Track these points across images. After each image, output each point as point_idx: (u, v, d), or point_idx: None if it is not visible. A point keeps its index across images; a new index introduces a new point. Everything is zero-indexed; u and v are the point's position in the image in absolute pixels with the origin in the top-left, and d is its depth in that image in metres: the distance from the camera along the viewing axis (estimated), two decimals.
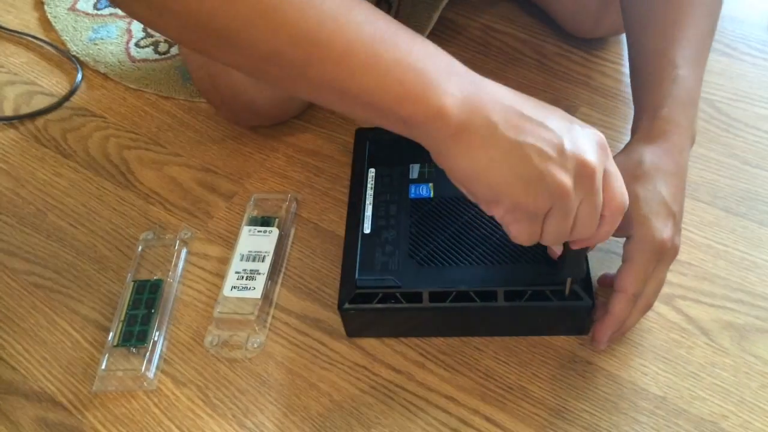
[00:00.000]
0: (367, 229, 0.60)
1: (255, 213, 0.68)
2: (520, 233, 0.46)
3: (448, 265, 0.57)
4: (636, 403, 0.54)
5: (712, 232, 0.63)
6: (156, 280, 0.65)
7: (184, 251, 0.67)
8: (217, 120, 0.79)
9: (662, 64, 0.56)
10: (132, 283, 0.64)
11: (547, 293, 0.54)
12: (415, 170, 0.64)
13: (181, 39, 0.44)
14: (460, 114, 0.41)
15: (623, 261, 0.52)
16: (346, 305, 0.57)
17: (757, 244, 0.61)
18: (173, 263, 0.66)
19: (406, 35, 0.42)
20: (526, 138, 0.41)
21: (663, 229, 0.50)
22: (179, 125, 0.79)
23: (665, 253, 0.51)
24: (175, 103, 0.81)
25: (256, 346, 0.60)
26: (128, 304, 0.63)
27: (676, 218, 0.52)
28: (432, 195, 0.61)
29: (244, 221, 0.67)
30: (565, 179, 0.42)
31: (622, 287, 0.52)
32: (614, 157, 0.50)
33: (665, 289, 0.59)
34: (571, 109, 0.74)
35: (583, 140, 0.43)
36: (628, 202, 0.45)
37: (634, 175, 0.52)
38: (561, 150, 0.42)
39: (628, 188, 0.46)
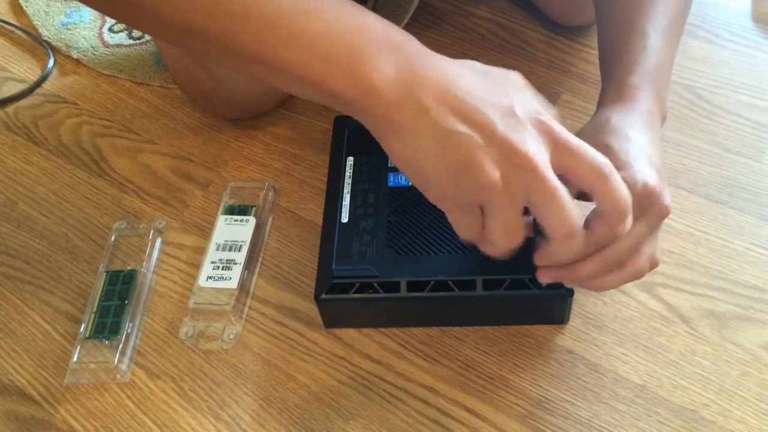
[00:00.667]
0: (344, 218, 0.59)
1: (232, 202, 0.67)
2: (457, 226, 0.43)
3: (426, 254, 0.56)
4: (616, 392, 0.53)
5: (692, 219, 0.62)
6: (129, 270, 0.63)
7: (158, 241, 0.66)
8: (193, 107, 0.77)
9: (632, 33, 0.53)
10: (105, 273, 0.63)
11: (525, 281, 0.53)
12: None
13: (102, 8, 0.41)
14: (391, 94, 0.38)
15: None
16: (323, 295, 0.56)
17: (738, 231, 0.61)
18: (147, 253, 0.65)
19: (333, 4, 0.39)
20: (455, 125, 0.38)
21: (648, 174, 0.44)
22: (154, 112, 0.77)
23: (652, 204, 0.44)
24: (149, 89, 0.79)
25: (232, 337, 0.59)
26: (101, 295, 0.61)
27: (658, 165, 0.46)
28: (411, 183, 0.60)
29: (221, 210, 0.66)
30: (491, 171, 0.38)
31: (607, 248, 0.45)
32: (580, 129, 0.50)
33: (646, 277, 0.58)
34: (553, 96, 0.73)
35: (523, 126, 0.39)
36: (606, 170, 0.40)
37: (602, 131, 0.47)
38: (490, 138, 0.38)
39: (600, 142, 0.44)
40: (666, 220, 0.62)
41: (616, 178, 0.40)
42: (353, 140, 0.65)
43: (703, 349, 0.55)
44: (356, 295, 0.55)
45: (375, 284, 0.55)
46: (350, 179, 0.62)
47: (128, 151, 0.74)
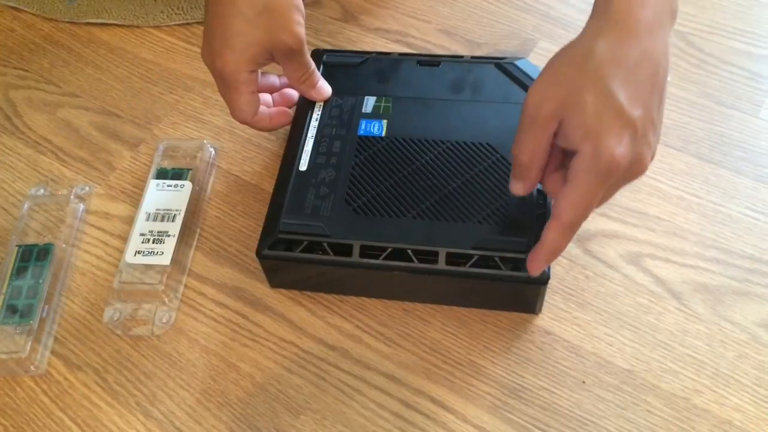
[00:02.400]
0: (303, 166, 0.52)
1: (164, 164, 0.58)
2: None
3: (388, 217, 0.49)
4: (600, 378, 0.47)
5: (683, 181, 0.56)
6: (45, 244, 0.55)
7: (80, 209, 0.57)
8: (120, 54, 0.67)
9: None
10: (16, 248, 0.54)
11: (496, 260, 0.46)
12: (369, 103, 0.55)
13: None
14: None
15: (566, 181, 0.41)
16: (266, 251, 0.49)
17: (732, 194, 0.55)
18: (67, 224, 0.56)
19: None
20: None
21: (615, 145, 0.39)
22: (76, 60, 0.67)
23: (618, 174, 0.40)
24: (71, 33, 0.69)
25: (164, 321, 0.51)
26: (11, 274, 0.53)
27: (637, 127, 0.39)
28: (384, 133, 0.53)
29: (152, 174, 0.57)
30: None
31: (557, 213, 0.41)
32: (560, 51, 0.42)
33: (632, 248, 0.52)
34: (529, 43, 0.65)
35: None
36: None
37: (581, 71, 0.40)
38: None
39: (574, 90, 0.39)
40: (654, 183, 0.56)
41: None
42: (327, 78, 0.56)
43: (695, 328, 0.49)
44: (302, 255, 0.49)
45: (325, 244, 0.48)
46: (317, 122, 0.54)
47: (46, 106, 0.64)
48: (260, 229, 0.51)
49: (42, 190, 0.58)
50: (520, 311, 0.50)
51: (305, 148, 0.53)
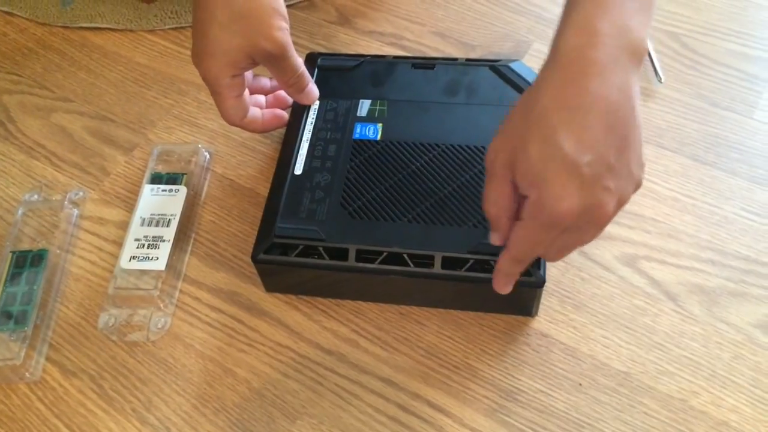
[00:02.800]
0: (298, 170, 0.52)
1: (159, 168, 0.58)
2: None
3: (383, 221, 0.49)
4: (597, 380, 0.47)
5: (678, 183, 0.56)
6: (40, 250, 0.54)
7: (74, 214, 0.57)
8: (114, 58, 0.67)
9: None
10: (10, 254, 0.54)
11: (491, 264, 0.46)
12: (364, 106, 0.55)
13: None
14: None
15: (520, 217, 0.40)
16: (261, 255, 0.49)
17: (727, 196, 0.55)
18: (61, 229, 0.56)
19: None
20: None
21: (559, 196, 0.37)
22: (69, 65, 0.67)
23: (567, 223, 0.38)
24: (64, 38, 0.69)
25: (160, 326, 0.51)
26: (5, 280, 0.53)
27: (585, 174, 0.36)
28: (379, 137, 0.53)
29: (146, 178, 0.57)
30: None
31: (508, 245, 0.41)
32: (518, 100, 0.41)
33: (628, 250, 0.52)
34: (523, 45, 0.65)
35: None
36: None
37: (526, 120, 0.38)
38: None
39: (521, 139, 0.37)
40: (649, 184, 0.56)
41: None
42: (322, 81, 0.56)
43: (691, 329, 0.49)
44: (298, 259, 0.49)
45: (320, 249, 0.48)
46: (312, 126, 0.54)
47: (40, 111, 0.64)
48: (255, 233, 0.51)
49: (36, 196, 0.58)
50: (517, 314, 0.50)
51: (300, 151, 0.53)
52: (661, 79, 0.61)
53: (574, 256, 0.52)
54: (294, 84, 0.53)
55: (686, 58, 0.63)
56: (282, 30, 0.49)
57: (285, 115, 0.56)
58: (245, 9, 0.48)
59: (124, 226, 0.56)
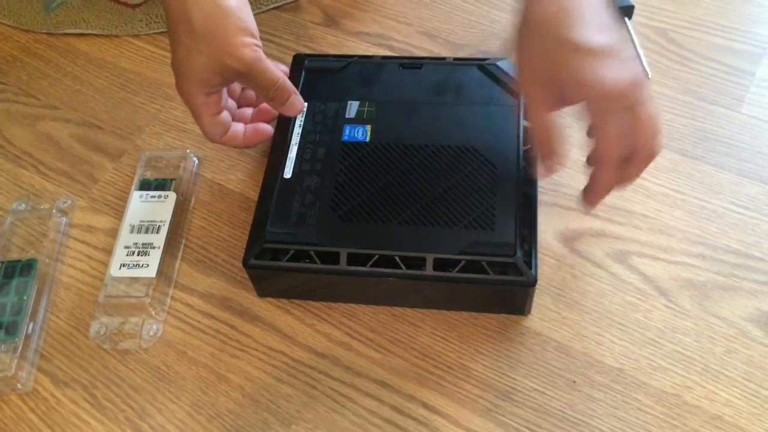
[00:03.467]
0: (287, 174, 0.51)
1: (147, 174, 0.58)
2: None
3: (374, 223, 0.49)
4: (591, 377, 0.48)
5: (667, 178, 0.56)
6: (29, 259, 0.54)
7: (63, 223, 0.57)
8: (99, 64, 0.67)
9: None
10: None
11: (483, 264, 0.46)
12: (353, 108, 0.54)
13: None
14: None
15: (592, 131, 0.44)
16: (252, 260, 0.49)
17: (717, 190, 0.55)
18: (50, 238, 0.55)
19: None
20: None
21: (608, 78, 0.41)
22: (54, 71, 0.67)
23: (629, 99, 0.42)
24: (49, 45, 0.69)
25: (152, 334, 0.51)
26: None
27: (613, 53, 0.42)
28: (368, 139, 0.52)
29: (135, 185, 0.57)
30: None
31: (596, 156, 0.45)
32: (518, 32, 0.45)
33: (619, 246, 0.53)
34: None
35: None
36: None
37: (542, 40, 0.43)
38: None
39: (553, 56, 0.42)
40: (638, 180, 0.55)
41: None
42: (310, 83, 0.56)
43: (683, 324, 0.49)
44: (289, 263, 0.48)
45: (312, 253, 0.48)
46: (301, 128, 0.54)
47: (26, 119, 0.63)
48: (246, 238, 0.50)
49: (24, 205, 0.58)
50: (510, 313, 0.50)
51: (289, 155, 0.53)
52: (648, 74, 0.61)
53: (565, 253, 0.53)
54: (273, 98, 0.51)
55: (673, 53, 0.63)
56: (247, 46, 0.48)
57: (268, 129, 0.55)
58: (206, 29, 0.47)
59: (114, 233, 0.55)
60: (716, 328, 0.49)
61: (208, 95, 0.49)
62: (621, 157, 0.44)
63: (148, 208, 0.55)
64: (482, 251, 0.46)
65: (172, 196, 0.56)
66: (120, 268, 0.52)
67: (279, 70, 0.51)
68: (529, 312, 0.50)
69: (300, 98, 0.53)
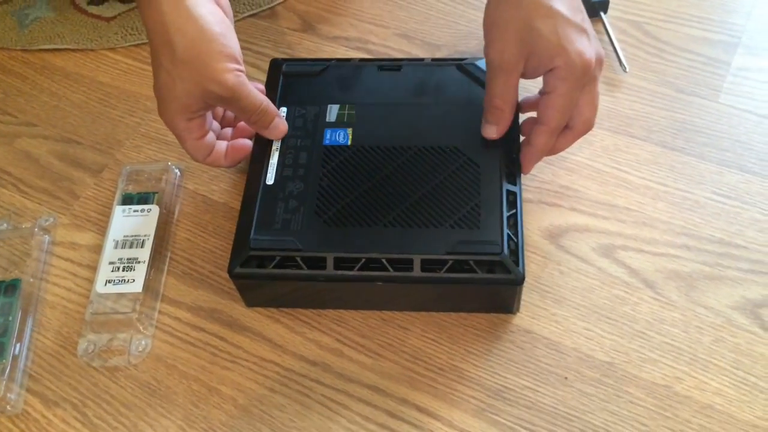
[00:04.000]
0: (270, 180, 0.51)
1: (129, 189, 0.57)
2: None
3: (359, 227, 0.48)
4: (582, 372, 0.48)
5: (649, 171, 0.57)
6: (13, 280, 0.53)
7: (46, 241, 0.56)
8: (76, 79, 0.66)
9: None
10: None
11: (470, 263, 0.46)
12: (333, 112, 0.54)
13: None
14: None
15: (544, 92, 0.47)
16: (238, 269, 0.48)
17: (698, 180, 0.56)
18: (33, 257, 0.55)
19: None
20: None
21: (581, 49, 0.45)
22: (31, 88, 0.66)
23: (590, 73, 0.46)
24: (24, 61, 0.68)
25: (141, 349, 0.51)
26: None
27: (586, 29, 0.46)
28: (349, 142, 0.52)
29: (117, 200, 0.56)
30: None
31: (543, 119, 0.48)
32: (489, 9, 0.47)
33: (604, 240, 0.53)
34: None
35: None
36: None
37: (519, 8, 0.45)
38: None
39: (524, 26, 0.45)
40: (620, 174, 0.57)
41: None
42: (288, 88, 0.56)
43: (671, 315, 0.50)
44: (275, 271, 0.48)
45: (298, 259, 0.48)
46: None
47: (3, 137, 0.63)
48: (231, 246, 0.50)
49: (5, 225, 0.57)
50: (499, 312, 0.50)
51: (271, 161, 0.52)
52: (625, 68, 0.62)
53: (551, 249, 0.53)
54: (257, 121, 0.51)
55: (649, 45, 0.64)
56: (230, 72, 0.47)
57: (247, 144, 0.54)
58: (188, 54, 0.46)
59: (98, 249, 0.55)
60: (703, 318, 0.49)
61: (190, 120, 0.49)
62: (561, 126, 0.48)
63: (132, 223, 0.55)
64: (469, 250, 0.46)
65: (155, 209, 0.55)
66: (105, 284, 0.52)
67: (261, 94, 0.51)
68: (518, 310, 0.50)
69: (283, 121, 0.53)
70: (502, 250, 0.46)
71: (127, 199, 0.56)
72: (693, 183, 0.56)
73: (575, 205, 0.55)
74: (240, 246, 0.49)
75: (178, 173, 0.59)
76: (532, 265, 0.52)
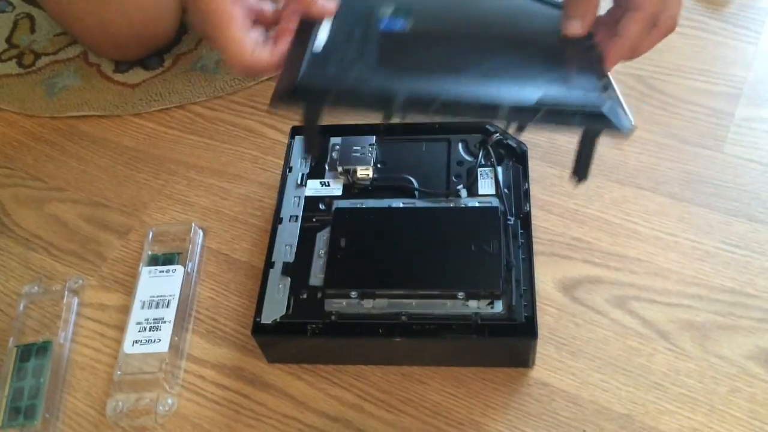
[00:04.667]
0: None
1: (155, 249, 0.59)
2: None
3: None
4: (600, 425, 0.48)
5: (658, 221, 0.58)
6: (44, 342, 0.55)
7: (75, 303, 0.58)
8: (103, 144, 0.69)
9: None
10: (15, 348, 0.55)
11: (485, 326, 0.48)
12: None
13: None
14: None
15: None
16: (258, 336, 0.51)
17: (707, 230, 0.57)
18: (63, 319, 0.57)
19: None
20: None
21: None
22: (60, 154, 0.69)
23: None
24: (53, 128, 0.71)
25: (167, 408, 0.52)
26: (12, 375, 0.53)
27: None
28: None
29: (143, 261, 0.59)
30: None
31: (638, 5, 0.43)
32: None
33: (617, 292, 0.54)
34: None
35: None
36: None
37: None
38: None
39: None
40: (631, 225, 0.58)
41: None
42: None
43: (686, 366, 0.50)
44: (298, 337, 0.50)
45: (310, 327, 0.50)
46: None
47: (34, 202, 0.65)
48: (253, 305, 0.52)
49: (36, 287, 0.59)
50: (514, 366, 0.51)
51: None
52: (631, 121, 0.63)
53: (565, 301, 0.54)
54: None
55: (653, 98, 0.66)
56: None
57: (288, 30, 0.45)
58: None
59: (125, 310, 0.57)
60: (718, 368, 0.50)
61: (233, 4, 0.44)
62: (656, 14, 0.43)
63: (157, 283, 0.57)
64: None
65: (179, 269, 0.57)
66: (133, 344, 0.54)
67: None
68: (533, 364, 0.51)
69: None
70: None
71: (153, 260, 0.58)
72: (702, 233, 0.57)
73: (587, 257, 0.56)
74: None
75: (201, 233, 0.61)
76: (546, 317, 0.53)
